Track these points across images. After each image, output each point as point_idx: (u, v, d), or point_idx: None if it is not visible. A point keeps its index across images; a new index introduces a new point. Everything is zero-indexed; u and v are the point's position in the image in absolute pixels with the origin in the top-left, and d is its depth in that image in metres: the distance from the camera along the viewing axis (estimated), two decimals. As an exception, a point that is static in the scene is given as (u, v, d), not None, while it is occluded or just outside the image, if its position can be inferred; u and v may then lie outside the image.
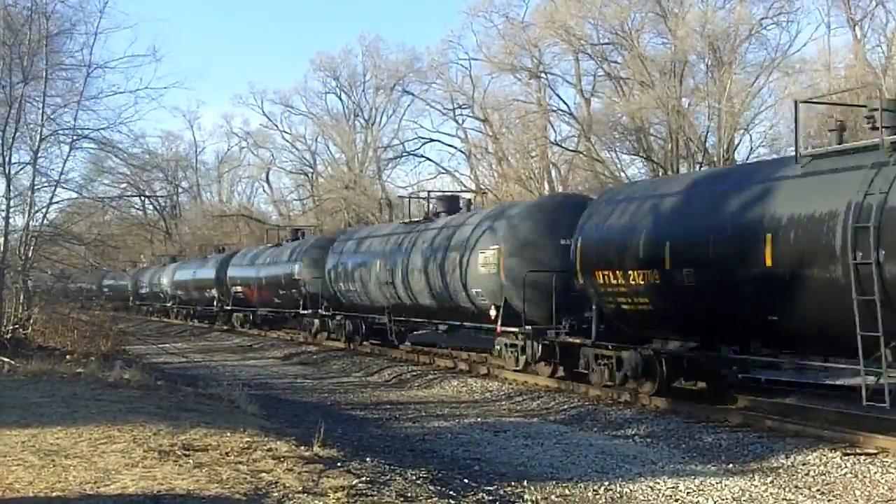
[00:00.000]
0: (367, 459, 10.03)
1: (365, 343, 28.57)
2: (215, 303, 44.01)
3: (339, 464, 9.32)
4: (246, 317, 41.03)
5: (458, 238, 21.57)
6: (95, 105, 24.66)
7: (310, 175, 67.64)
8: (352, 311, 28.62)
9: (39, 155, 23.18)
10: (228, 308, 42.39)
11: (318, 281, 30.21)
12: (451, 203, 25.82)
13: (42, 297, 25.62)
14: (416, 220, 26.51)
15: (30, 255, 23.36)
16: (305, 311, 31.75)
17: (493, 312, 19.56)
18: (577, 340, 17.46)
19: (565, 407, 16.11)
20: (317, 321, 31.44)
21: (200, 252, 53.87)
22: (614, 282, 15.81)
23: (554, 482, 10.40)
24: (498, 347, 20.22)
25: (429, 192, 29.09)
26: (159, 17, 71.62)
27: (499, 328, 19.46)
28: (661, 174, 36.63)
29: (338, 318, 29.70)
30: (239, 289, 40.27)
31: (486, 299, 19.91)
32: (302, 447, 10.02)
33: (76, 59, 24.36)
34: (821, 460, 11.06)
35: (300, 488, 7.97)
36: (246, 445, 9.85)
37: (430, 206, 26.28)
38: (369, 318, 27.50)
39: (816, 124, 35.39)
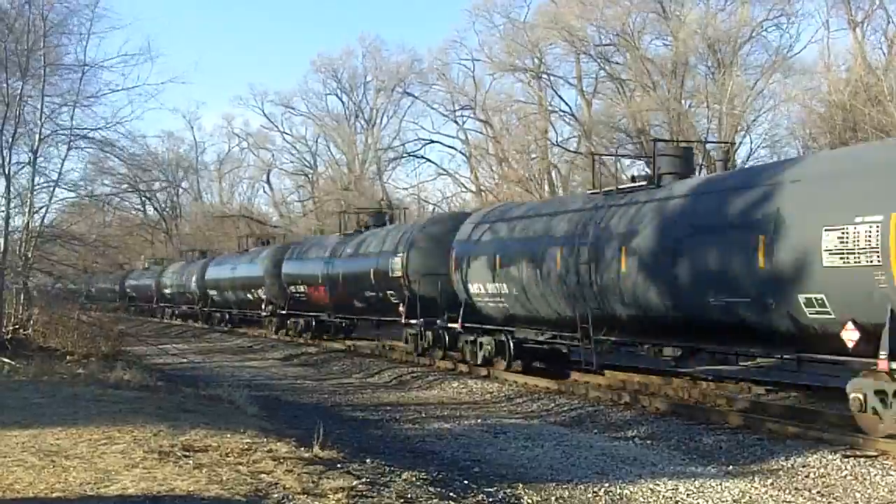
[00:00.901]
0: (367, 461, 10.04)
1: (502, 365, 20.37)
2: (264, 306, 36.20)
3: (339, 465, 9.33)
4: (308, 323, 32.94)
5: (745, 208, 13.26)
6: (93, 104, 24.79)
7: (310, 176, 67.76)
8: (501, 323, 20.26)
9: (39, 155, 23.22)
10: (283, 312, 34.41)
11: (437, 280, 22.45)
12: (684, 161, 16.99)
13: (48, 299, 25.59)
14: (629, 186, 17.23)
15: (30, 255, 23.36)
16: (413, 321, 23.33)
17: (850, 334, 11.44)
18: None
19: (565, 409, 16.10)
20: (429, 334, 23.14)
21: (239, 247, 46.59)
22: None
23: (554, 484, 10.40)
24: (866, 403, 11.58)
25: (654, 140, 18.64)
26: (155, 17, 71.84)
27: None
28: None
29: (469, 332, 21.31)
30: (301, 289, 32.20)
31: (835, 311, 11.67)
32: (302, 448, 10.03)
33: (72, 59, 24.46)
34: (821, 462, 11.05)
35: (300, 489, 7.98)
36: (246, 446, 9.86)
37: (655, 166, 16.84)
38: (522, 334, 19.61)
39: (816, 126, 35.49)
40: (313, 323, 32.48)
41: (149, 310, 56.56)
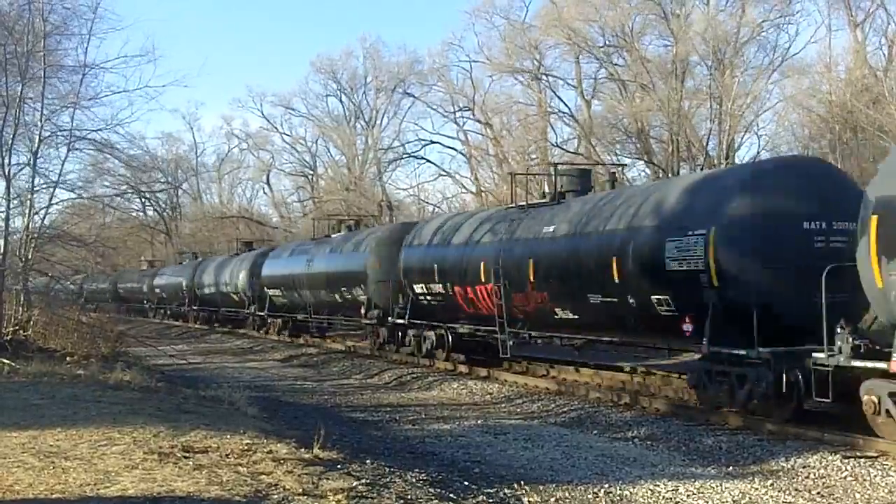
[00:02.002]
0: (367, 462, 10.04)
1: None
2: (365, 311, 26.27)
3: (338, 466, 9.33)
4: (441, 337, 22.68)
5: None
6: (93, 106, 24.76)
7: (310, 177, 67.76)
8: None
9: (39, 156, 23.24)
10: (401, 321, 24.15)
11: (801, 276, 12.77)
12: None
13: (48, 300, 25.52)
14: None
15: (30, 256, 23.36)
16: (731, 350, 13.47)
17: None
18: None
19: (565, 409, 16.10)
20: (784, 376, 12.63)
21: (316, 233, 35.53)
22: None
23: (554, 485, 10.40)
24: None
25: None
26: (156, 19, 72.01)
27: None
28: (661, 176, 36.67)
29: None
30: (435, 289, 21.95)
31: None
32: (302, 449, 10.03)
33: (72, 60, 24.46)
34: (821, 463, 11.06)
35: (300, 490, 7.98)
36: (246, 447, 9.86)
37: None
38: None
39: (816, 127, 35.49)
40: (449, 337, 22.39)
41: (180, 313, 49.23)
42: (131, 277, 59.10)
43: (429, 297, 22.60)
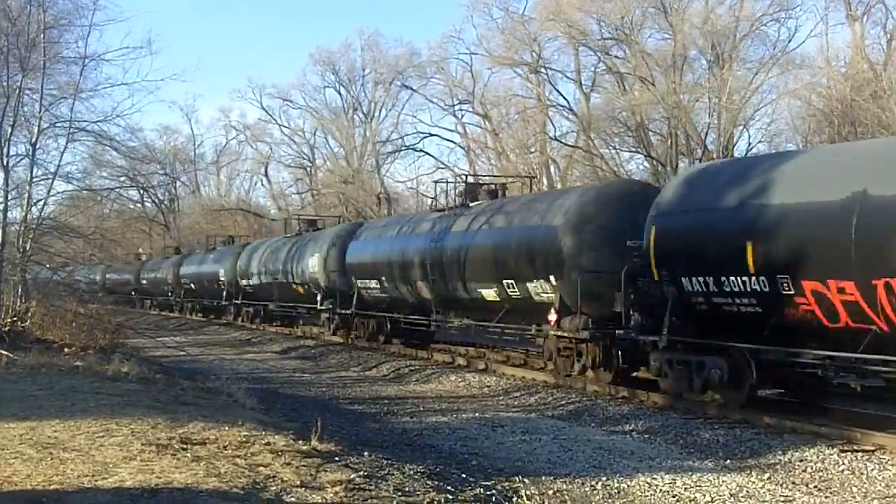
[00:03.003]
0: (365, 454, 10.04)
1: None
2: (557, 316, 17.22)
3: (336, 458, 9.35)
4: (737, 368, 13.35)
5: None
6: (93, 97, 24.80)
7: (308, 169, 67.71)
8: None
9: (37, 147, 23.26)
10: (651, 338, 14.72)
11: None
12: None
13: (46, 292, 25.50)
14: None
15: (28, 247, 23.36)
16: None
17: None
18: None
19: (563, 402, 16.11)
20: None
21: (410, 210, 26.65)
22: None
23: (551, 477, 10.41)
24: None
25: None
26: (156, 11, 71.97)
27: None
28: (660, 170, 36.67)
29: None
30: (735, 284, 12.86)
31: None
32: (300, 441, 10.04)
33: (73, 52, 24.47)
34: (818, 457, 11.07)
35: (298, 482, 7.99)
36: (244, 439, 9.87)
37: None
38: None
39: (815, 121, 35.48)
40: (753, 367, 13.20)
41: (216, 308, 41.60)
42: (154, 267, 53.80)
43: (715, 300, 13.53)
